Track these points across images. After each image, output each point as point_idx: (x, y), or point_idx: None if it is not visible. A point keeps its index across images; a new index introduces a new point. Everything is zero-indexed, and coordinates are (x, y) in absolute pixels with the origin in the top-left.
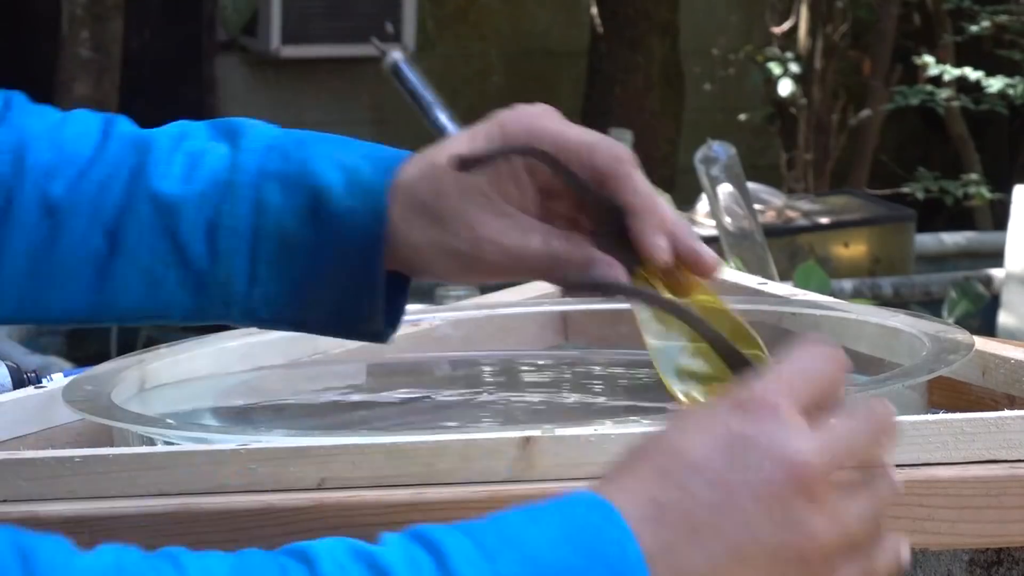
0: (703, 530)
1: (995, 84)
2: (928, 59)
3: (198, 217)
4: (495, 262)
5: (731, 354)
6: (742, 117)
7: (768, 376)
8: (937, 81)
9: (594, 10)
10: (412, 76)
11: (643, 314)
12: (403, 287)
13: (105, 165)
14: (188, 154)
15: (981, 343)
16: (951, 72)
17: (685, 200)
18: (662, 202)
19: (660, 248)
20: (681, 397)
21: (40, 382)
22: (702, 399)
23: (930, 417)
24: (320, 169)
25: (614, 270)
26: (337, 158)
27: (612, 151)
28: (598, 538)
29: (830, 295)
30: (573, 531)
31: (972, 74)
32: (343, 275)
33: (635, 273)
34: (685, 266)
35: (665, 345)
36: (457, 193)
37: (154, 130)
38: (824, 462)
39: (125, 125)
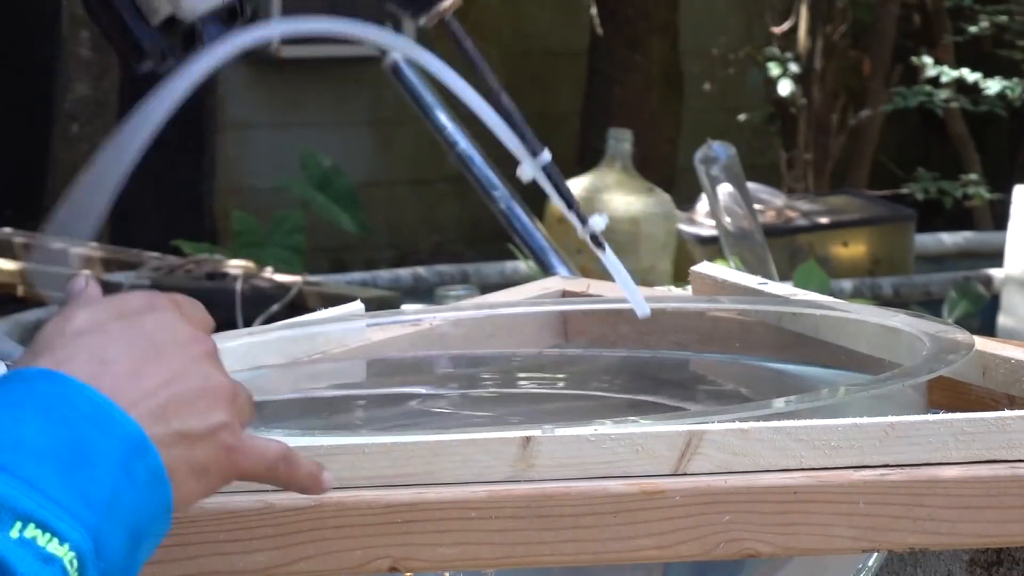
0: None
1: (993, 86)
2: (927, 59)
3: None
4: None
5: None
6: (742, 117)
7: None
8: (936, 82)
9: (594, 10)
10: (412, 76)
11: None
12: None
13: None
14: None
15: (981, 343)
16: (949, 73)
17: (685, 200)
18: None
19: None
20: None
21: None
22: None
23: (930, 417)
24: None
25: None
26: None
27: None
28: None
29: (830, 295)
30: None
31: (970, 76)
32: None
33: None
34: None
35: None
36: None
37: None
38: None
39: None
